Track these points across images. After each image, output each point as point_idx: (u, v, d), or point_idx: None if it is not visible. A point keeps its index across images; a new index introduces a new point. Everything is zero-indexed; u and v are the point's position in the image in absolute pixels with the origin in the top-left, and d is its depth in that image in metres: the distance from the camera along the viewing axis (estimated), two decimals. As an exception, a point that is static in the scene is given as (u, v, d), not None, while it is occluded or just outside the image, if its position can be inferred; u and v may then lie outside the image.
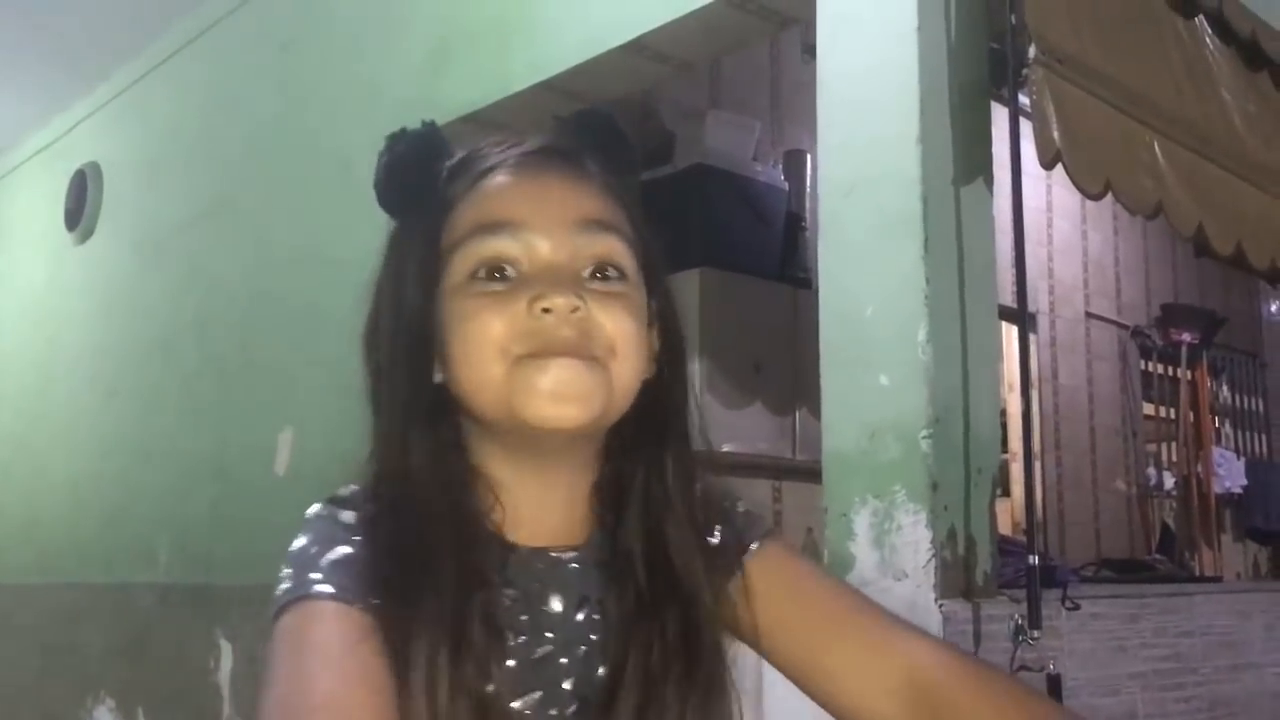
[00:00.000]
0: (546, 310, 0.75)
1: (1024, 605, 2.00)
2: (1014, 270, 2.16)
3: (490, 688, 0.73)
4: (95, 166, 4.97)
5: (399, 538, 0.76)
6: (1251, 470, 5.81)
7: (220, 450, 3.89)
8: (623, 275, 0.79)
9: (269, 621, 0.75)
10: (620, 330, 0.77)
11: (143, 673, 4.04)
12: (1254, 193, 2.67)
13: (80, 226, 4.97)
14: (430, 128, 0.82)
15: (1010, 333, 4.04)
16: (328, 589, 0.72)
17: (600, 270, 0.78)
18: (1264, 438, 6.32)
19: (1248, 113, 2.72)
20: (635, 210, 0.84)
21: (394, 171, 0.81)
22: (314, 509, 0.80)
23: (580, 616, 0.80)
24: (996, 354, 2.22)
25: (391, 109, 3.39)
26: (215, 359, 4.00)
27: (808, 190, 4.03)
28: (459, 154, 0.83)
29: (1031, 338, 4.79)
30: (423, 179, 0.81)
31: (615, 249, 0.79)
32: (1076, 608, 2.11)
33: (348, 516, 0.78)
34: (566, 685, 0.79)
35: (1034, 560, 1.97)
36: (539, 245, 0.77)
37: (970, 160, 2.16)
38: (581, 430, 0.77)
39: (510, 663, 0.77)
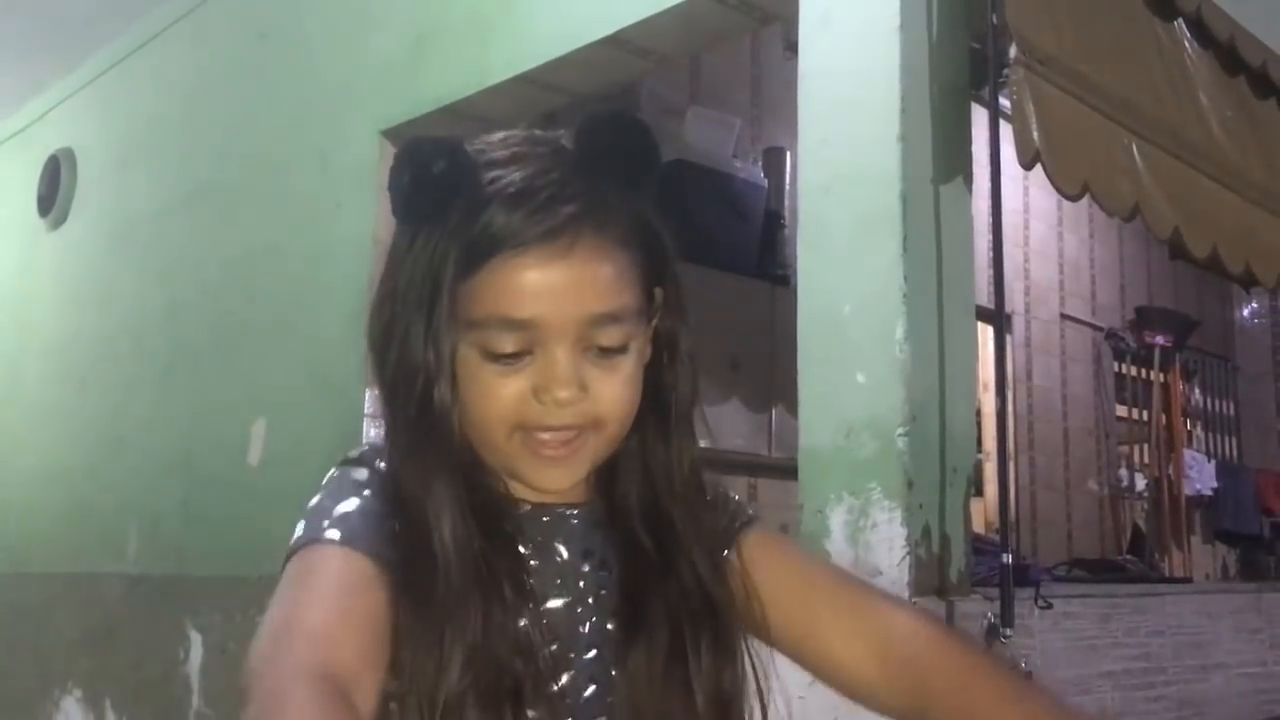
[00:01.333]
0: (549, 401, 0.82)
1: (997, 604, 2.01)
2: (990, 271, 2.16)
3: (522, 626, 0.80)
4: (69, 152, 4.91)
5: (413, 496, 0.82)
6: (1222, 473, 5.86)
7: (192, 440, 3.86)
8: (624, 348, 0.85)
9: (277, 571, 0.79)
10: (613, 405, 0.84)
11: (111, 664, 4.00)
12: (1230, 197, 2.69)
13: (53, 213, 4.92)
14: (454, 147, 0.82)
15: (985, 333, 4.06)
16: (335, 534, 0.78)
17: (604, 350, 0.84)
18: (1234, 441, 6.38)
19: (1225, 118, 2.74)
20: (647, 234, 0.87)
21: (422, 192, 0.81)
22: (330, 472, 0.86)
23: (586, 567, 0.88)
24: (973, 353, 2.22)
25: (369, 100, 3.37)
26: (188, 349, 3.97)
27: (787, 187, 4.04)
28: (495, 182, 0.82)
29: (1007, 338, 4.81)
30: (453, 203, 0.81)
31: (620, 333, 0.84)
32: (1049, 606, 2.12)
33: (359, 474, 0.84)
34: (583, 629, 0.86)
35: (1008, 559, 1.98)
36: (551, 342, 0.82)
37: (950, 160, 2.16)
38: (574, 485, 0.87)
39: (532, 608, 0.83)
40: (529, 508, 0.87)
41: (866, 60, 2.15)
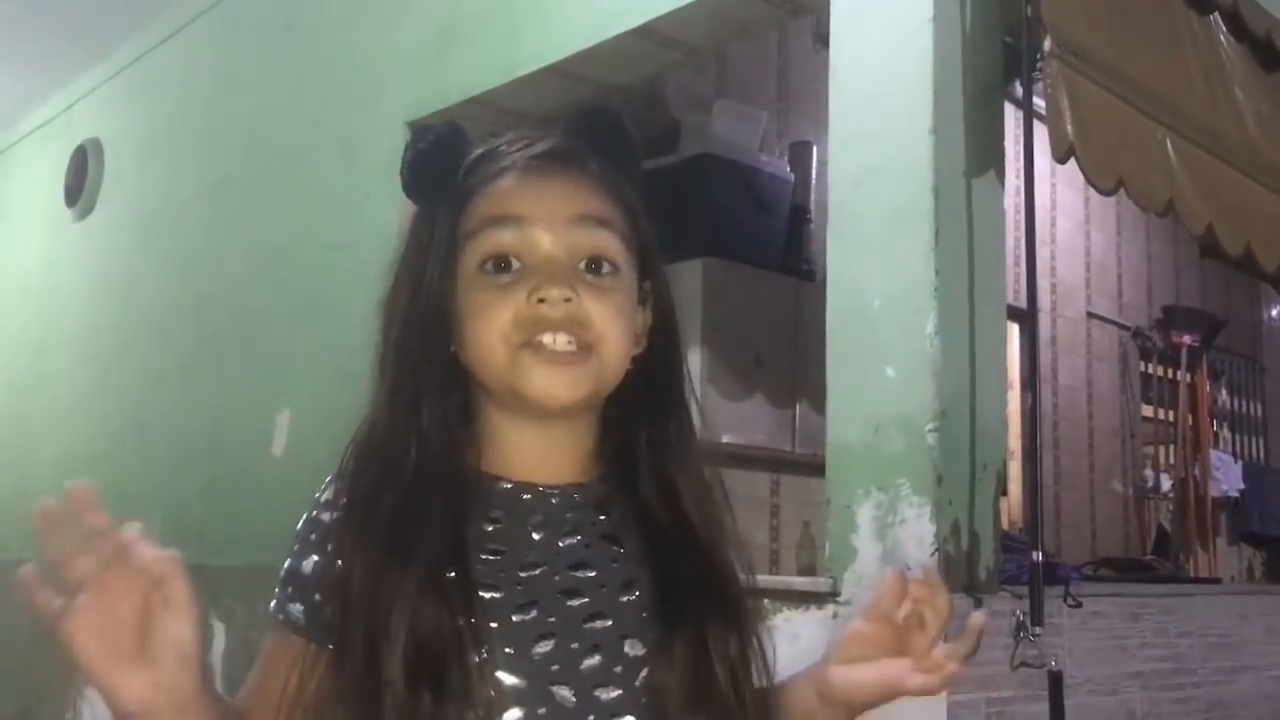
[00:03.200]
0: (542, 300, 0.85)
1: (1026, 601, 1.99)
2: (1018, 267, 2.14)
3: (492, 595, 0.83)
4: (96, 143, 4.94)
5: (379, 494, 0.85)
6: (1248, 474, 5.80)
7: (216, 431, 3.87)
8: (615, 268, 0.89)
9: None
10: (607, 322, 0.87)
11: (134, 652, 4.01)
12: (1265, 194, 2.66)
13: (80, 203, 4.94)
14: (454, 126, 0.91)
15: (1012, 331, 4.03)
16: (280, 616, 0.88)
17: (593, 263, 0.88)
18: (1261, 442, 6.31)
19: (1261, 113, 2.70)
20: (633, 204, 0.93)
21: (420, 164, 0.90)
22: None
23: (562, 544, 0.89)
24: (1003, 348, 2.20)
25: (397, 92, 3.37)
26: (213, 339, 3.98)
27: (813, 182, 4.01)
28: (479, 149, 0.92)
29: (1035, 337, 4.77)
30: (446, 171, 0.90)
31: (608, 243, 0.89)
32: (1079, 605, 2.10)
33: (301, 525, 0.90)
34: (572, 604, 0.86)
35: (1038, 556, 1.96)
36: (539, 239, 0.87)
37: (982, 153, 2.14)
38: (575, 406, 0.88)
39: (502, 577, 0.85)
40: (510, 485, 0.90)
41: (898, 52, 2.13)
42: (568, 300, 0.85)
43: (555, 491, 0.91)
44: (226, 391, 3.86)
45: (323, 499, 0.90)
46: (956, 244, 2.07)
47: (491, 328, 0.86)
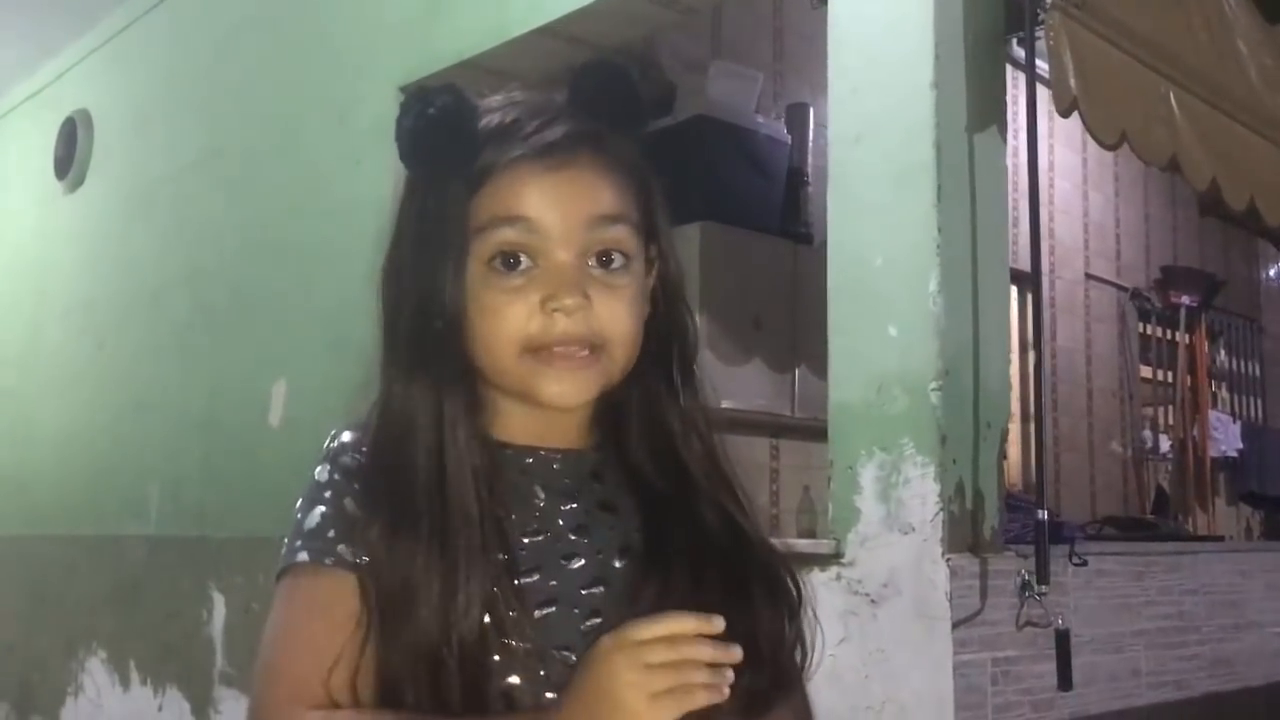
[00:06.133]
0: (557, 309, 0.84)
1: (1031, 561, 1.98)
2: (1017, 229, 2.11)
3: (501, 557, 0.83)
4: (85, 114, 4.88)
5: (398, 461, 0.85)
6: (1247, 434, 5.80)
7: (212, 402, 3.85)
8: (625, 259, 0.88)
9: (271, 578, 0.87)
10: (618, 327, 0.87)
11: (134, 625, 4.01)
12: (1269, 147, 2.63)
13: (70, 175, 4.89)
14: (455, 91, 0.87)
15: (1010, 293, 4.00)
16: (304, 555, 0.85)
17: (604, 255, 0.87)
18: (1260, 402, 6.31)
19: (1264, 66, 2.67)
20: (644, 176, 0.91)
21: (421, 132, 0.86)
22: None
23: (564, 508, 0.89)
24: (1007, 306, 2.18)
25: (388, 56, 3.33)
26: (207, 309, 3.95)
27: (810, 144, 3.97)
28: (491, 119, 0.88)
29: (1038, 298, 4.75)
30: (449, 142, 0.86)
31: (620, 238, 0.87)
32: (1084, 564, 2.09)
33: (321, 472, 0.88)
34: (574, 565, 0.87)
35: (1043, 515, 1.94)
36: (552, 243, 0.85)
37: (984, 108, 2.11)
38: (585, 404, 0.89)
39: (509, 541, 0.85)
40: (511, 451, 0.90)
41: (899, 6, 2.10)
42: (581, 308, 0.85)
43: (557, 456, 0.91)
44: (223, 362, 3.83)
45: (336, 445, 0.89)
46: (959, 201, 2.04)
47: (502, 333, 0.85)
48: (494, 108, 0.89)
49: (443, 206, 0.86)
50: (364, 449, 0.88)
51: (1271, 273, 6.62)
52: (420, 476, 0.84)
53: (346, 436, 0.89)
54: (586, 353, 0.86)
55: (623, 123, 0.90)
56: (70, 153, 4.88)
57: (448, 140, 0.86)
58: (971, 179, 2.07)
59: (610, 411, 0.92)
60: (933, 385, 1.96)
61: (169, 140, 4.35)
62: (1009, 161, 2.26)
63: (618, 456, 0.92)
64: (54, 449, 4.74)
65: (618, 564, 0.88)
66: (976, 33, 2.12)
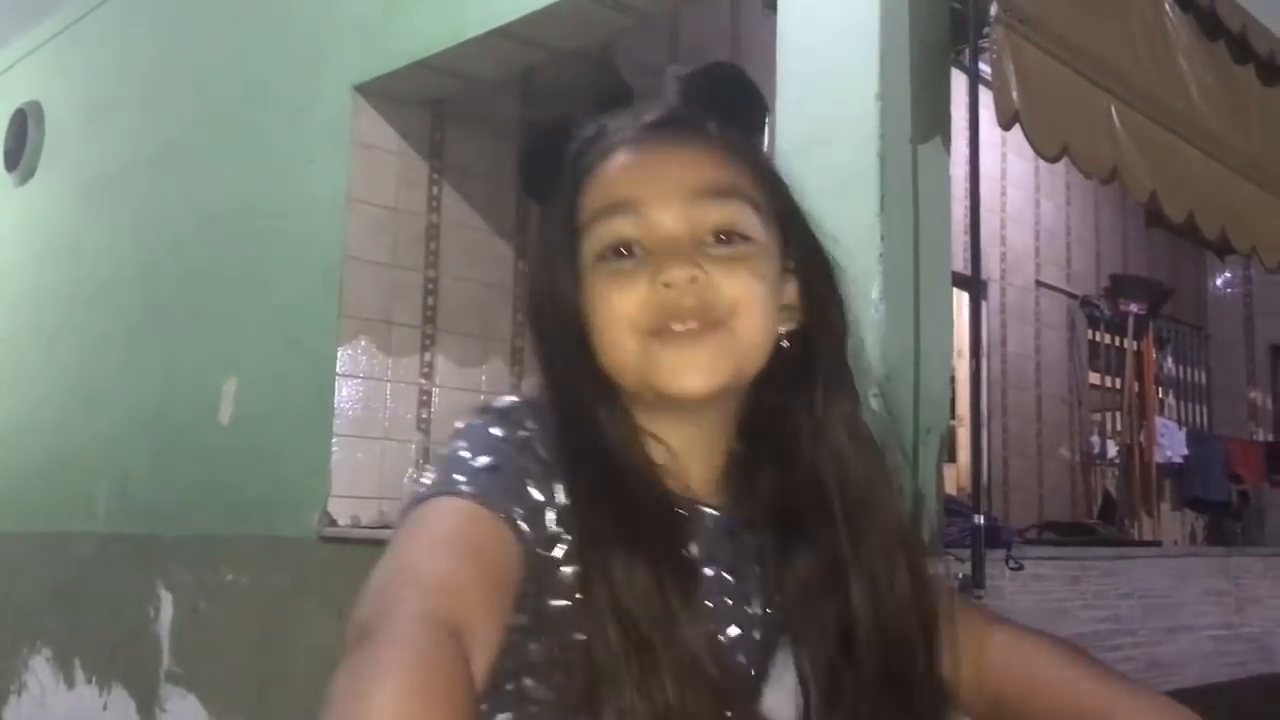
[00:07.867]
0: (667, 284, 0.79)
1: (968, 564, 2.01)
2: (967, 236, 2.15)
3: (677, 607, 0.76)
4: (36, 106, 4.83)
5: (584, 476, 0.78)
6: (1192, 441, 5.91)
7: (163, 399, 3.82)
8: (747, 238, 0.81)
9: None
10: (742, 292, 0.80)
11: (81, 623, 3.98)
12: (1208, 162, 2.69)
13: (20, 167, 4.83)
14: (563, 116, 0.87)
15: (960, 299, 4.05)
16: (469, 488, 0.74)
17: (723, 234, 0.81)
18: (1205, 409, 6.43)
19: (1205, 83, 2.73)
20: (765, 165, 0.87)
21: (528, 167, 0.88)
22: (467, 421, 0.81)
23: (709, 572, 0.82)
24: (949, 314, 2.21)
25: (343, 56, 3.32)
26: (159, 307, 3.92)
27: (767, 148, 4.00)
28: (588, 129, 0.86)
29: (981, 304, 4.82)
30: (553, 166, 0.85)
31: (737, 213, 0.81)
32: (1020, 568, 2.13)
33: (497, 430, 0.79)
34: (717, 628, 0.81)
35: (979, 519, 1.98)
36: (658, 221, 0.80)
37: (929, 119, 2.14)
38: (715, 393, 0.81)
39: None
40: (674, 495, 0.83)
41: (846, 17, 2.13)
42: (694, 280, 0.79)
43: (710, 515, 0.84)
44: (173, 359, 3.81)
45: (505, 405, 0.81)
46: (902, 209, 2.08)
47: (616, 317, 0.80)
48: (597, 119, 0.88)
49: (554, 216, 0.84)
50: (535, 425, 0.80)
51: (1218, 281, 6.74)
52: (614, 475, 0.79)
53: (508, 401, 0.82)
54: (705, 327, 0.79)
55: (735, 121, 0.86)
56: (20, 145, 4.83)
57: (552, 166, 0.85)
58: (915, 188, 2.10)
59: (765, 426, 0.86)
60: (873, 391, 1.99)
61: (121, 134, 4.31)
62: (960, 170, 2.29)
63: (739, 502, 0.86)
64: (5, 444, 4.68)
65: (768, 610, 0.84)
66: (923, 44, 2.15)
